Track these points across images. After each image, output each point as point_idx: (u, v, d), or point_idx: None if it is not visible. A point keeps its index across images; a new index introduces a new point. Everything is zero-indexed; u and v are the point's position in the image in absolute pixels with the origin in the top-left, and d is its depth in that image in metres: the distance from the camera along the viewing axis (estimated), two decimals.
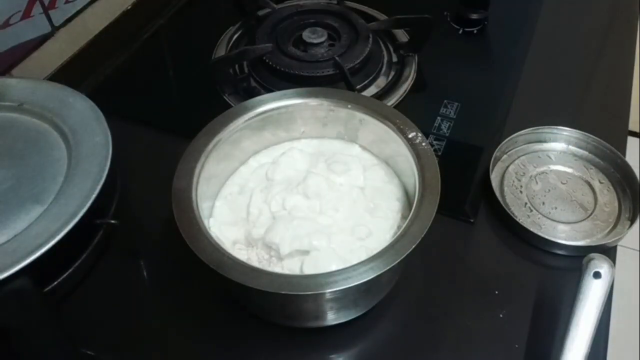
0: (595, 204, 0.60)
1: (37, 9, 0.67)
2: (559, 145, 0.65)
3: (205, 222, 0.49)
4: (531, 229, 0.55)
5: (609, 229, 0.57)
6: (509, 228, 0.57)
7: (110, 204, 0.55)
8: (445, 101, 0.71)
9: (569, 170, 0.63)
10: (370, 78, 0.72)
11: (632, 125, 0.83)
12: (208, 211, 0.54)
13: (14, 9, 0.64)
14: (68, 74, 0.73)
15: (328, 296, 0.45)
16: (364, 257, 0.44)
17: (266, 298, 0.47)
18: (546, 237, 0.55)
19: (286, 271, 0.49)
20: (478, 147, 0.66)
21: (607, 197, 0.60)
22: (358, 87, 0.70)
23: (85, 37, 0.76)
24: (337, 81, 0.70)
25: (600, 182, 0.61)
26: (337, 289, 0.41)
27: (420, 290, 0.54)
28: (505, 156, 0.64)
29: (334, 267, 0.46)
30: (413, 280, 0.54)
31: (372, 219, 0.53)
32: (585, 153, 0.64)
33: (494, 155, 0.61)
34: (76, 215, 0.47)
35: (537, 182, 0.62)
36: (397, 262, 0.43)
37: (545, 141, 0.65)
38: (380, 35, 0.79)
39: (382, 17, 0.81)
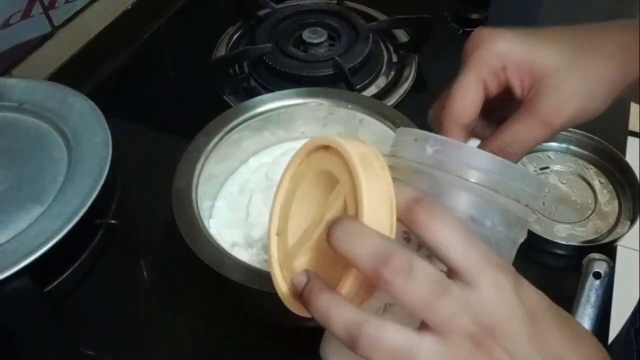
0: (595, 204, 0.60)
1: (37, 9, 0.67)
2: (559, 145, 0.65)
3: (205, 222, 0.49)
4: (531, 229, 0.55)
5: (609, 229, 0.57)
6: None
7: (110, 204, 0.55)
8: None
9: (569, 170, 0.63)
10: (370, 78, 0.72)
11: (632, 125, 0.83)
12: (208, 211, 0.54)
13: (14, 9, 0.64)
14: (68, 74, 0.73)
15: None
16: None
17: (266, 298, 0.47)
18: (546, 237, 0.55)
19: None
20: None
21: (607, 197, 0.60)
22: (358, 87, 0.70)
23: (85, 37, 0.76)
24: (337, 81, 0.70)
25: (600, 182, 0.61)
26: None
27: None
28: None
29: None
30: None
31: None
32: (585, 153, 0.64)
33: None
34: (76, 215, 0.47)
35: None
36: None
37: (545, 141, 0.65)
38: (380, 35, 0.79)
39: (382, 17, 0.81)
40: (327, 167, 0.29)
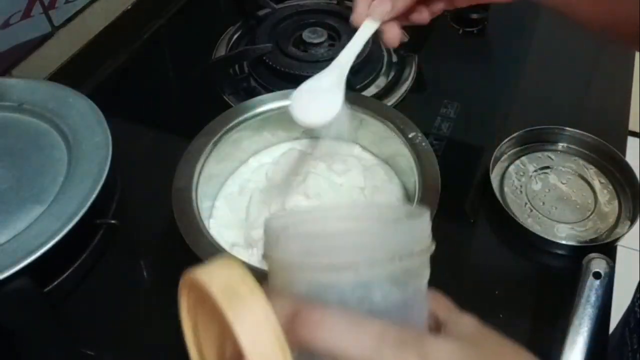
0: (595, 204, 0.60)
1: (37, 9, 0.67)
2: (559, 145, 0.65)
3: (205, 222, 0.49)
4: (531, 229, 0.55)
5: (609, 229, 0.57)
6: (509, 228, 0.57)
7: (110, 204, 0.55)
8: (445, 101, 0.71)
9: (569, 170, 0.63)
10: (370, 78, 0.72)
11: (632, 125, 0.83)
12: (208, 211, 0.54)
13: (14, 9, 0.64)
14: (68, 74, 0.73)
15: None
16: None
17: None
18: (546, 237, 0.55)
19: None
20: (478, 147, 0.66)
21: (607, 197, 0.60)
22: (358, 87, 0.70)
23: (85, 37, 0.76)
24: None
25: (600, 182, 0.61)
26: None
27: None
28: (505, 156, 0.64)
29: None
30: None
31: None
32: (585, 153, 0.64)
33: (494, 155, 0.61)
34: (76, 215, 0.47)
35: (537, 182, 0.62)
36: None
37: (545, 141, 0.65)
38: (381, 35, 0.79)
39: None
40: (206, 300, 0.27)
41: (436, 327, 0.29)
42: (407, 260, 0.27)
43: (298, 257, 0.27)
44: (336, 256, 0.26)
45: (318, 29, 0.75)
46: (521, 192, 0.61)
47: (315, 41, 0.73)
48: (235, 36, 0.80)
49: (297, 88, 0.38)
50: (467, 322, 0.29)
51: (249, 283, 0.25)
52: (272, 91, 0.60)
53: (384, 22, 0.46)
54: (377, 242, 0.27)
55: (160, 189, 0.51)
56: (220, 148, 0.54)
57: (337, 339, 0.24)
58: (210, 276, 0.26)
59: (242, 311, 0.25)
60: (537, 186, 0.61)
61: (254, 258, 0.51)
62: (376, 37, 0.77)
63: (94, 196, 0.49)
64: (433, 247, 0.29)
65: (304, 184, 0.54)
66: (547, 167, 0.63)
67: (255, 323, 0.25)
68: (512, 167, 0.63)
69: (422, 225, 0.28)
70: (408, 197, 0.56)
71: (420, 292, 0.29)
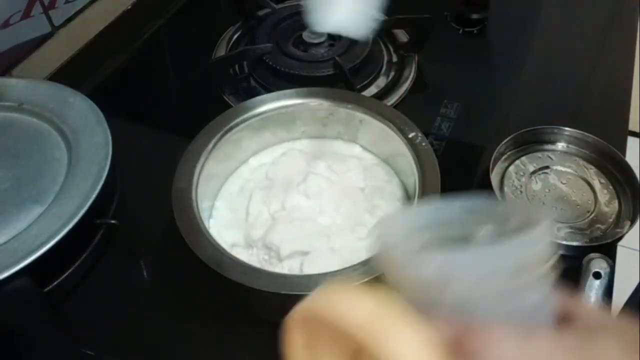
0: (595, 204, 0.59)
1: (37, 9, 0.67)
2: (559, 145, 0.65)
3: (205, 222, 0.49)
4: None
5: (609, 229, 0.57)
6: None
7: (110, 204, 0.55)
8: (445, 101, 0.71)
9: (569, 170, 0.63)
10: (370, 78, 0.72)
11: (632, 125, 0.83)
12: (208, 211, 0.54)
13: (14, 9, 0.64)
14: (68, 74, 0.73)
15: None
16: (364, 257, 0.44)
17: (266, 298, 0.47)
18: None
19: (286, 271, 0.49)
20: (478, 147, 0.66)
21: (607, 197, 0.60)
22: (358, 87, 0.70)
23: (85, 37, 0.76)
24: (337, 81, 0.70)
25: (600, 182, 0.61)
26: None
27: None
28: (505, 156, 0.64)
29: (334, 267, 0.46)
30: None
31: (372, 219, 0.53)
32: (585, 153, 0.64)
33: (494, 155, 0.61)
34: (76, 215, 0.47)
35: (537, 182, 0.62)
36: None
37: (545, 141, 0.65)
38: (380, 35, 0.79)
39: (382, 17, 0.81)
40: (328, 334, 0.24)
41: (559, 318, 0.28)
42: (547, 263, 0.28)
43: (442, 272, 0.25)
44: (486, 266, 0.25)
45: None
46: (521, 192, 0.61)
47: (315, 41, 0.73)
48: (235, 36, 0.80)
49: None
50: (596, 313, 0.29)
51: (392, 308, 0.23)
52: (272, 91, 0.60)
53: None
54: (522, 249, 0.26)
55: (160, 189, 0.51)
56: (220, 148, 0.54)
57: (511, 357, 0.24)
58: (341, 308, 0.23)
59: (400, 340, 0.22)
60: (537, 186, 0.61)
61: (254, 258, 0.51)
62: (376, 37, 0.77)
63: (94, 196, 0.49)
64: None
65: (304, 184, 0.54)
66: (547, 167, 0.63)
67: (416, 351, 0.22)
68: (512, 167, 0.63)
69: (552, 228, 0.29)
70: (408, 197, 0.56)
71: (550, 291, 0.29)
